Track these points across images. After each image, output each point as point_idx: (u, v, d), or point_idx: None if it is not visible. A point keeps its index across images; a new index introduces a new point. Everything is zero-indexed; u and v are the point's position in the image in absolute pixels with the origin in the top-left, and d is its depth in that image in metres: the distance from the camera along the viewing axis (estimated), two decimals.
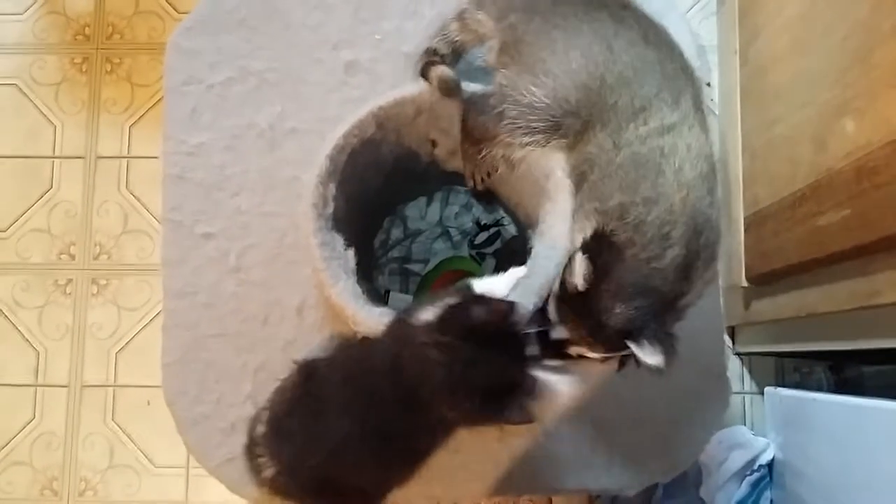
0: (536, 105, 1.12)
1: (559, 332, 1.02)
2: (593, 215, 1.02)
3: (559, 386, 1.10)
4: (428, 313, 0.97)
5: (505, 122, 1.15)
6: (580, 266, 0.94)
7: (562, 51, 1.11)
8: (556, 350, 1.03)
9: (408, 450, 1.05)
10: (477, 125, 1.20)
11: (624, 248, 0.97)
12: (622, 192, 1.01)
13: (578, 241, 1.03)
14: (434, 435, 1.05)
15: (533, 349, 0.98)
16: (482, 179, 1.32)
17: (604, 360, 1.03)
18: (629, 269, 0.96)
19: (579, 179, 1.12)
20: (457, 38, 1.24)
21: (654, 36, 1.11)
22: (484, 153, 1.22)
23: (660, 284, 0.96)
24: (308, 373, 1.11)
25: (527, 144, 1.15)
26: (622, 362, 1.08)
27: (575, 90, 1.09)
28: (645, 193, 1.00)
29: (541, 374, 1.05)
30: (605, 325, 0.96)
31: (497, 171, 1.27)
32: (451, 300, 0.98)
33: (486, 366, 0.92)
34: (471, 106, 1.21)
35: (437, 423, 1.00)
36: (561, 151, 1.15)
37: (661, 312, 0.97)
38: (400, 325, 1.03)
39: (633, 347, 0.94)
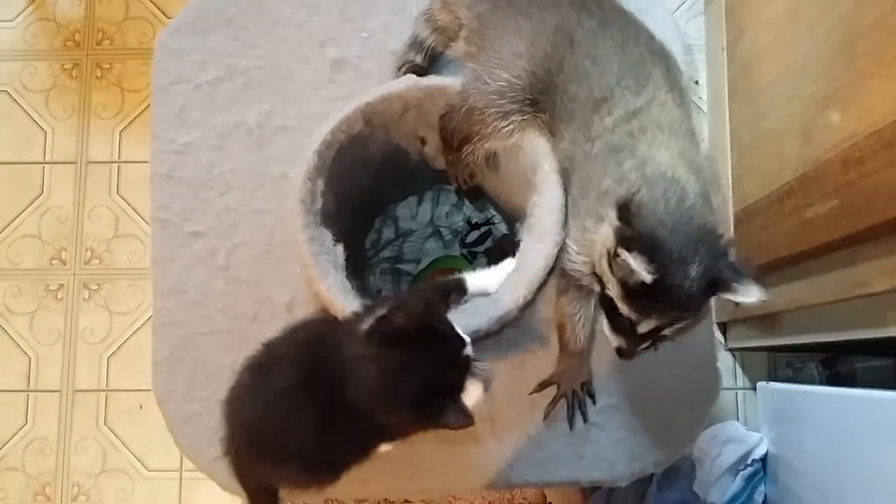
0: (503, 88, 1.13)
1: (648, 325, 0.99)
2: (601, 202, 1.01)
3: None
4: (367, 323, 0.96)
5: (475, 116, 1.16)
6: (635, 261, 0.90)
7: (527, 36, 1.12)
8: (649, 339, 1.02)
9: (349, 439, 1.03)
10: (451, 131, 1.22)
11: (654, 206, 0.95)
12: (608, 175, 1.01)
13: (599, 237, 1.01)
14: (378, 437, 1.05)
15: (469, 350, 0.96)
16: (465, 181, 1.33)
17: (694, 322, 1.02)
18: (674, 223, 0.93)
19: (564, 177, 1.13)
20: (438, 22, 1.25)
21: (615, 22, 1.12)
22: (465, 155, 1.23)
23: (702, 221, 0.95)
24: (266, 346, 1.09)
25: (504, 129, 1.16)
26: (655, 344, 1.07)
27: (541, 74, 1.11)
28: (630, 164, 1.00)
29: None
30: (690, 291, 0.93)
31: (480, 171, 1.27)
32: (380, 311, 0.96)
33: (417, 372, 0.91)
34: (442, 118, 1.22)
35: (380, 429, 0.99)
36: (543, 137, 1.15)
37: (720, 248, 0.95)
38: (347, 329, 1.02)
39: (728, 296, 0.92)
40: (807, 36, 1.30)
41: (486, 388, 1.15)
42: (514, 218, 1.40)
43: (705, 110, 1.87)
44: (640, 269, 0.90)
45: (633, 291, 0.95)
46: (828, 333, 1.39)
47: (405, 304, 0.94)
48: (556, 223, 1.14)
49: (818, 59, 1.25)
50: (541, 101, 1.13)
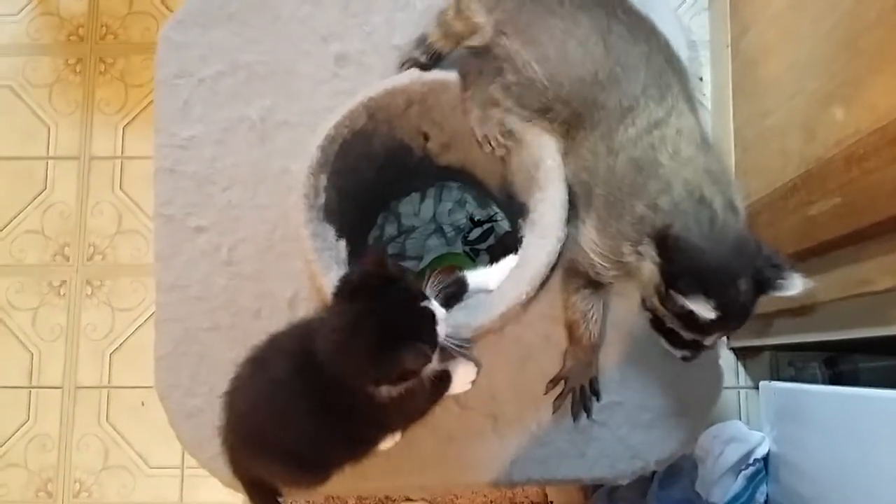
0: (535, 81, 1.12)
1: (713, 338, 1.03)
2: (636, 229, 1.02)
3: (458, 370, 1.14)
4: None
5: (499, 82, 1.16)
6: (696, 305, 0.93)
7: (560, 38, 1.11)
8: (711, 345, 1.05)
9: (345, 428, 1.04)
10: (471, 64, 1.21)
11: (690, 235, 0.97)
12: (638, 198, 1.02)
13: (644, 272, 1.02)
14: (368, 428, 1.06)
15: (432, 305, 0.97)
16: (497, 140, 1.25)
17: None
18: (712, 247, 0.96)
19: (585, 192, 1.12)
20: (452, 28, 1.23)
21: (641, 30, 1.12)
22: (491, 115, 1.22)
23: (735, 233, 0.98)
24: (270, 338, 1.10)
25: (516, 114, 1.17)
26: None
27: (569, 79, 1.10)
28: (656, 187, 1.01)
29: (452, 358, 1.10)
30: (746, 302, 0.96)
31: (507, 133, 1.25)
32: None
33: (374, 318, 0.92)
34: (469, 58, 1.21)
35: (374, 408, 0.99)
36: (551, 137, 1.15)
37: (756, 250, 0.98)
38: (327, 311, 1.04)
39: (777, 294, 0.95)
40: (810, 32, 1.30)
41: (478, 368, 1.16)
42: (516, 214, 1.40)
43: (709, 107, 1.87)
44: (702, 311, 0.93)
45: (695, 323, 0.98)
46: (831, 332, 1.39)
47: (361, 262, 0.98)
48: (558, 219, 1.14)
49: (821, 55, 1.25)
50: (553, 110, 1.13)
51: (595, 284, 1.14)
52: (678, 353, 1.07)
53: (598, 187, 1.09)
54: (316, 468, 1.07)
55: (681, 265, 0.96)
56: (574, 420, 1.19)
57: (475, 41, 1.20)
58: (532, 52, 1.12)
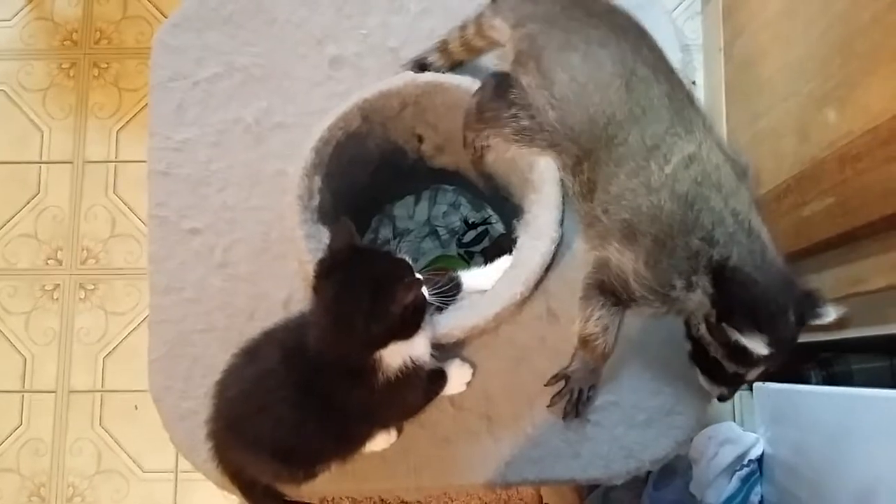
0: (545, 126, 1.13)
1: (754, 372, 1.03)
2: (690, 262, 1.01)
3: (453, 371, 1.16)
4: None
5: (512, 121, 1.16)
6: (748, 339, 0.93)
7: (579, 77, 1.11)
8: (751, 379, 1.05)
9: (336, 420, 1.04)
10: (490, 106, 1.20)
11: (745, 267, 0.98)
12: (693, 234, 1.01)
13: (691, 302, 1.02)
14: (366, 414, 1.06)
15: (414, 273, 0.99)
16: (479, 150, 1.29)
17: None
18: (764, 279, 0.97)
19: (627, 230, 1.08)
20: (472, 44, 1.24)
21: (663, 67, 1.12)
22: (486, 132, 1.22)
23: (779, 264, 1.00)
24: (264, 333, 1.11)
25: (520, 147, 1.17)
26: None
27: (581, 121, 1.10)
28: (709, 220, 1.01)
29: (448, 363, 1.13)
30: (793, 338, 0.98)
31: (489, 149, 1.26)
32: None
33: (355, 283, 0.94)
34: (492, 84, 1.20)
35: (368, 401, 1.00)
36: (557, 171, 1.17)
37: (793, 281, 0.99)
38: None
39: (814, 322, 0.97)
40: (803, 35, 1.30)
41: (473, 369, 1.17)
42: (511, 216, 1.40)
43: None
44: (757, 348, 0.93)
45: (744, 356, 0.98)
46: (825, 332, 1.39)
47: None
48: (553, 220, 1.15)
49: (815, 57, 1.26)
50: (561, 147, 1.13)
51: (622, 301, 1.12)
52: (716, 391, 1.08)
53: (642, 225, 1.06)
54: (301, 463, 1.07)
55: (736, 297, 0.96)
56: (563, 418, 1.19)
57: (501, 64, 1.21)
58: (547, 95, 1.12)
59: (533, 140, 1.15)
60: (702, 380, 1.08)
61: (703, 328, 1.02)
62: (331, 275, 0.96)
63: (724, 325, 0.96)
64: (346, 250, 0.98)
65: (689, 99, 1.12)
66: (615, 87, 1.09)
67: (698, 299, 1.00)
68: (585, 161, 1.12)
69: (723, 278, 0.97)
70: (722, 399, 1.09)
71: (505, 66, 1.19)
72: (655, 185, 1.05)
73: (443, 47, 1.27)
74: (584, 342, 1.14)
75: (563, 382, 1.19)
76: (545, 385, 1.20)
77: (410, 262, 1.00)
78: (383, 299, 0.91)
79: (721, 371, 1.04)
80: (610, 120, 1.08)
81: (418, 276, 0.98)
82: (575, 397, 1.19)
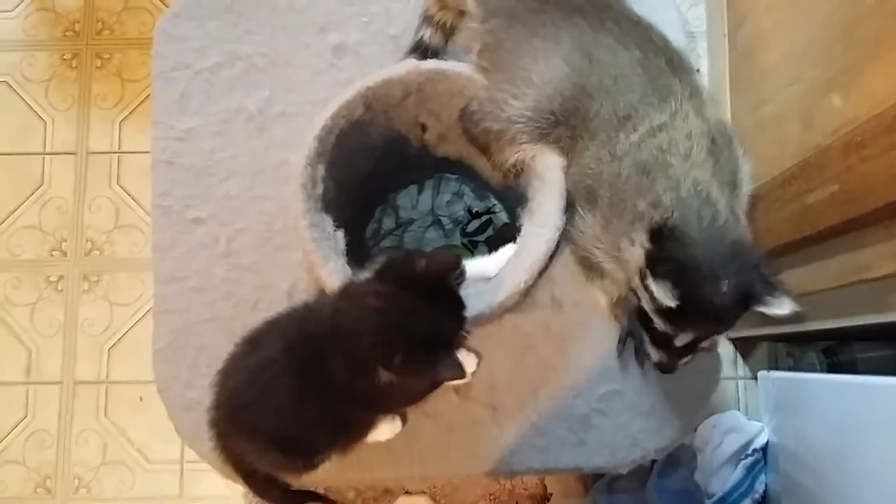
0: (517, 119, 1.14)
1: (684, 338, 1.02)
2: (634, 224, 1.03)
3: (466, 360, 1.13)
4: (371, 269, 0.98)
5: (491, 136, 1.19)
6: (658, 287, 0.94)
7: (542, 60, 1.12)
8: (688, 351, 1.05)
9: (342, 412, 1.04)
10: (471, 136, 1.24)
11: (686, 227, 0.98)
12: (643, 198, 1.02)
13: (632, 258, 1.03)
14: (364, 405, 1.05)
15: (467, 313, 0.98)
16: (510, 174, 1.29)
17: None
18: (705, 243, 0.97)
19: (589, 195, 1.12)
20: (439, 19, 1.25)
21: (636, 37, 1.12)
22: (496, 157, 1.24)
23: (732, 236, 0.99)
24: (267, 321, 1.11)
25: (515, 152, 1.19)
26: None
27: (557, 101, 1.11)
28: (663, 185, 1.02)
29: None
30: (723, 305, 0.96)
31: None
32: (394, 254, 0.99)
33: (422, 316, 0.92)
34: (461, 118, 1.24)
35: (373, 389, 0.98)
36: (556, 154, 1.16)
37: (751, 259, 0.98)
38: (344, 286, 1.04)
39: (761, 309, 0.95)
40: (807, 20, 1.29)
41: (479, 359, 1.17)
42: (514, 205, 1.40)
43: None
44: (663, 296, 0.94)
45: (665, 310, 0.99)
46: (829, 320, 1.39)
47: (429, 255, 0.95)
48: (557, 208, 1.14)
49: (818, 43, 1.25)
50: (553, 134, 1.14)
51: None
52: (655, 356, 1.08)
53: (602, 189, 1.09)
54: (301, 453, 1.07)
55: (667, 251, 0.97)
56: (641, 365, 1.20)
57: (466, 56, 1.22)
58: (510, 88, 1.14)
59: (515, 137, 1.16)
60: (647, 343, 1.09)
61: (637, 280, 1.03)
62: (408, 283, 0.94)
63: (647, 271, 0.98)
64: (440, 271, 0.95)
65: (671, 66, 1.12)
66: (577, 59, 1.10)
67: (638, 254, 1.01)
68: (574, 142, 1.13)
69: (660, 235, 0.98)
70: (661, 368, 1.09)
71: (470, 58, 1.21)
72: (619, 154, 1.07)
73: (428, 19, 1.27)
74: (613, 306, 1.17)
75: (630, 340, 1.20)
76: (618, 357, 1.20)
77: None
78: (425, 357, 0.91)
79: (656, 330, 1.04)
80: (582, 93, 1.09)
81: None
82: (638, 341, 1.20)
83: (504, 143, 1.18)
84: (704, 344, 1.04)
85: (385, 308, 0.93)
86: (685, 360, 1.08)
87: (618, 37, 1.11)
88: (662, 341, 1.05)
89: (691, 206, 0.99)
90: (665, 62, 1.12)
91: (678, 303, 0.94)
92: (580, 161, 1.13)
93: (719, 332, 1.02)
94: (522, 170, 1.24)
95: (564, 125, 1.12)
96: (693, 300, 0.95)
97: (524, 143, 1.17)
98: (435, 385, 1.12)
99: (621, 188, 1.06)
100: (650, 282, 0.96)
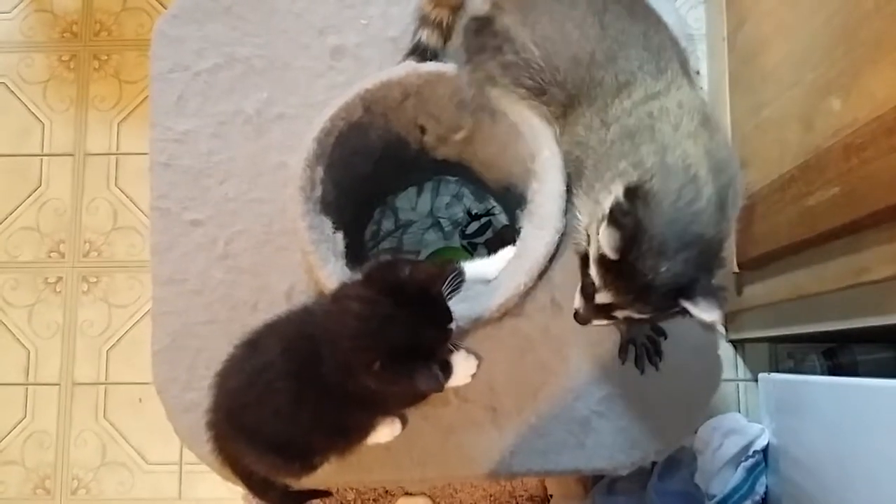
0: (532, 64, 1.12)
1: (604, 297, 0.97)
2: (612, 182, 0.98)
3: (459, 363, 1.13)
4: (360, 272, 0.97)
5: (497, 54, 1.15)
6: (606, 235, 0.89)
7: (559, 19, 1.11)
8: (604, 314, 0.99)
9: (335, 415, 1.03)
10: (473, 42, 1.20)
11: (661, 198, 0.92)
12: (627, 159, 0.98)
13: (603, 203, 0.97)
14: (362, 407, 1.04)
15: (454, 325, 0.95)
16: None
17: (652, 320, 1.01)
18: (671, 220, 0.91)
19: (577, 166, 1.11)
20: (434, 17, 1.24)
21: (639, 9, 1.12)
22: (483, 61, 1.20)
23: (702, 230, 0.92)
24: (266, 324, 1.10)
25: (509, 89, 1.16)
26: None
27: (565, 61, 1.10)
28: (648, 149, 0.98)
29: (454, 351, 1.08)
30: (653, 285, 0.91)
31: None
32: (383, 259, 0.97)
33: (401, 325, 0.90)
34: (474, 25, 1.20)
35: (367, 392, 0.97)
36: (547, 125, 1.15)
37: (707, 263, 0.93)
38: (337, 288, 1.04)
39: (687, 305, 0.90)
40: (807, 23, 1.29)
41: (479, 361, 1.17)
42: (514, 207, 1.39)
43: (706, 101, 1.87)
44: (605, 243, 0.89)
45: (604, 261, 0.94)
46: (830, 322, 1.39)
47: (413, 262, 0.95)
48: (557, 210, 1.14)
49: (819, 45, 1.25)
50: (549, 93, 1.12)
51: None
52: (577, 303, 1.03)
53: (588, 158, 1.07)
54: (298, 455, 1.07)
55: (633, 209, 0.90)
56: (641, 372, 1.19)
57: (479, 11, 1.19)
58: (529, 32, 1.11)
59: (519, 79, 1.14)
60: (577, 293, 1.04)
61: (594, 225, 0.98)
62: (392, 289, 0.92)
63: (606, 217, 0.91)
64: (425, 279, 0.93)
65: (671, 42, 1.11)
66: (589, 23, 1.08)
67: (608, 203, 0.94)
68: (570, 110, 1.12)
69: (634, 194, 0.91)
70: (575, 316, 1.04)
71: (484, 9, 1.18)
72: (609, 120, 1.04)
73: (423, 19, 1.26)
74: None
75: (631, 347, 1.19)
76: (621, 364, 1.20)
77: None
78: (403, 368, 0.89)
79: (586, 277, 0.99)
80: (591, 59, 1.07)
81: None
82: (639, 348, 1.19)
83: (504, 74, 1.16)
84: (618, 315, 0.98)
85: (365, 314, 0.91)
86: (600, 322, 1.02)
87: (625, 6, 1.11)
88: (587, 291, 1.00)
89: (675, 179, 0.93)
90: (666, 38, 1.11)
91: (616, 258, 0.89)
92: (573, 130, 1.11)
93: (637, 311, 0.96)
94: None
95: (563, 87, 1.11)
96: (629, 265, 0.90)
97: (522, 88, 1.15)
98: (422, 392, 1.11)
99: (606, 153, 1.03)
100: (603, 226, 0.90)
